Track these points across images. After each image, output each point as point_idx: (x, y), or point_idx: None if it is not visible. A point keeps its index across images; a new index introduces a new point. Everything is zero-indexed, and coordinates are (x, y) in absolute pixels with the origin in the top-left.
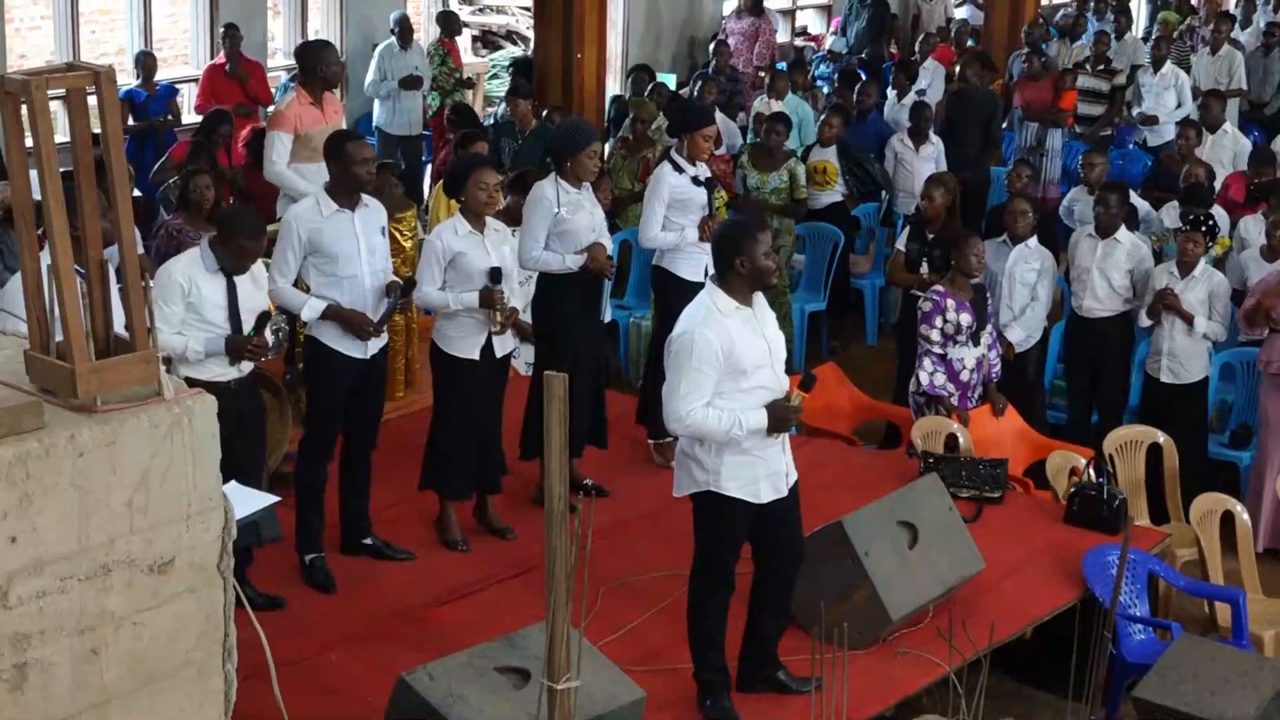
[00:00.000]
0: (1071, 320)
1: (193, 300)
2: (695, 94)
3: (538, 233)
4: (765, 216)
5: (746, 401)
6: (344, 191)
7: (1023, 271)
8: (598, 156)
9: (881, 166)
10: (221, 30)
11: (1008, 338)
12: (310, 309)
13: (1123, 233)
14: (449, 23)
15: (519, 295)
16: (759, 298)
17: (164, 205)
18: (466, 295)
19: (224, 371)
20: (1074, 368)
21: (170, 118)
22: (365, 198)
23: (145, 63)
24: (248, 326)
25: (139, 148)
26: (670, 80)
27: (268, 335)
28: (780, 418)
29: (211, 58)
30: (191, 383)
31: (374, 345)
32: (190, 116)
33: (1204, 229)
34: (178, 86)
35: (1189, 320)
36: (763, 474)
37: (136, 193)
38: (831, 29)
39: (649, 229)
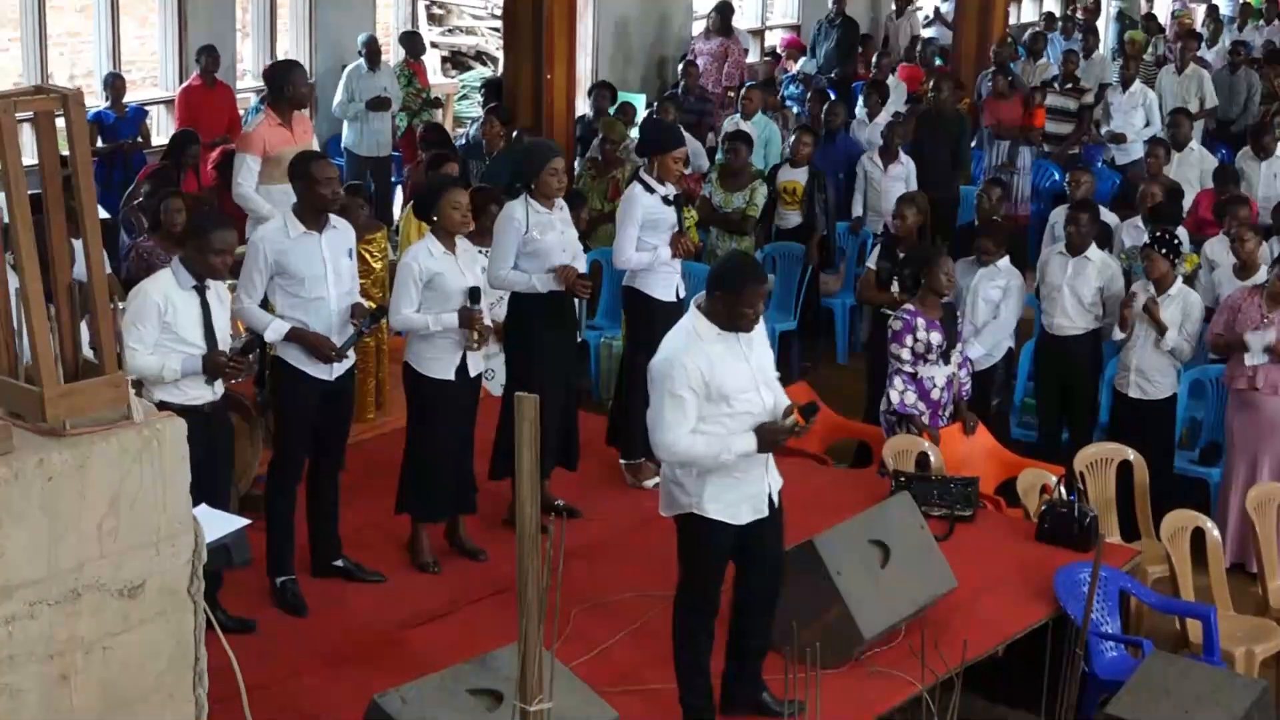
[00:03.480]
0: (1042, 338)
1: (169, 320)
2: (655, 114)
3: (506, 253)
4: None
5: (733, 426)
6: (310, 212)
7: (987, 288)
8: (560, 173)
9: (843, 188)
10: (197, 51)
11: (967, 353)
12: (274, 330)
13: (1093, 250)
14: (413, 43)
15: (490, 315)
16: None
17: (126, 228)
18: (446, 316)
19: (199, 394)
20: (1044, 385)
21: (139, 139)
22: (333, 219)
23: (114, 84)
24: (222, 345)
25: (108, 169)
26: (639, 100)
27: (250, 357)
28: (769, 440)
29: (181, 80)
30: (166, 406)
31: (340, 367)
32: (160, 138)
33: (1165, 249)
34: (147, 108)
35: (1164, 330)
36: (745, 495)
37: (104, 214)
38: (780, 48)
39: (624, 251)
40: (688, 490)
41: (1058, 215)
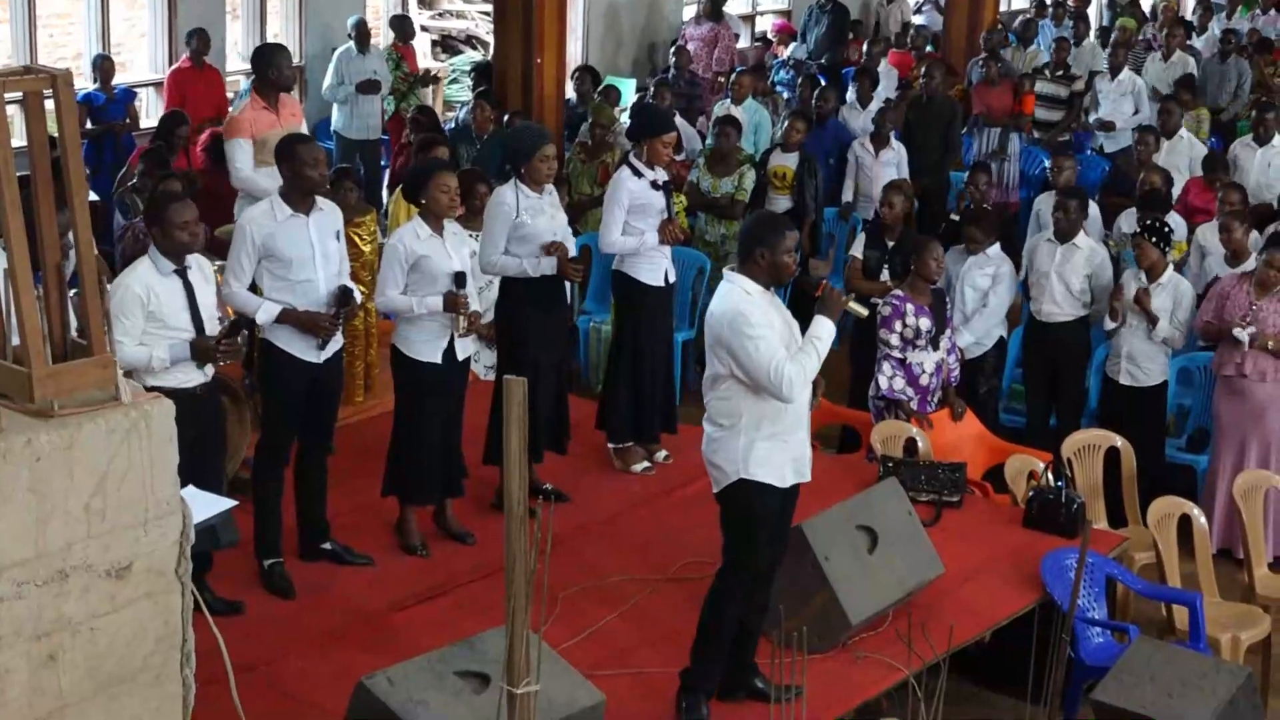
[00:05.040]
0: (1030, 325)
1: (153, 309)
2: (652, 99)
3: (497, 237)
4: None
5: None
6: (297, 195)
7: (975, 277)
8: (551, 159)
9: (833, 174)
10: (188, 34)
11: (957, 342)
12: (265, 312)
13: (1081, 238)
14: (402, 27)
15: (478, 299)
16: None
17: (120, 209)
18: (430, 299)
19: (189, 378)
20: (1033, 372)
21: (128, 121)
22: (321, 201)
23: (103, 66)
24: (209, 326)
25: (97, 151)
26: (629, 85)
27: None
28: (833, 304)
29: (170, 62)
30: (157, 389)
31: (328, 350)
32: (149, 121)
33: (1155, 237)
34: (136, 90)
35: (1154, 320)
36: (789, 457)
37: (93, 196)
38: (771, 33)
39: (609, 234)
40: (732, 459)
41: (1042, 202)
